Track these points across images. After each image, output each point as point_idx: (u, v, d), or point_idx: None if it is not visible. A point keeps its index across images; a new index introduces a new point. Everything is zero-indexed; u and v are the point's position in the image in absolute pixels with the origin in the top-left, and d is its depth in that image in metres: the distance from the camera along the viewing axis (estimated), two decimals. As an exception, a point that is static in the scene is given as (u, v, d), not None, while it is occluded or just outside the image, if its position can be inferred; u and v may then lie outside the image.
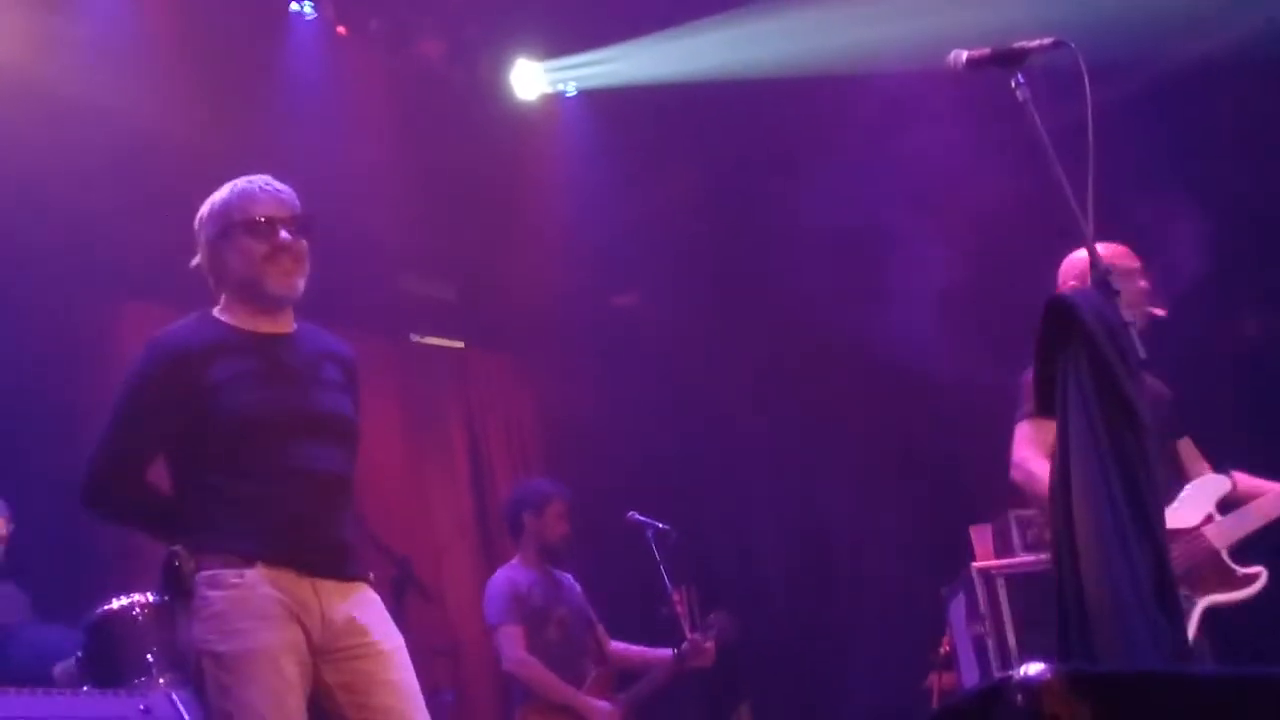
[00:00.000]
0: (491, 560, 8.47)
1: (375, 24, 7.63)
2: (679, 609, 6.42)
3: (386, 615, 3.72)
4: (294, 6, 7.42)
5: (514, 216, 8.45)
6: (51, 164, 6.52)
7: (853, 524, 8.62)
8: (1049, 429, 4.43)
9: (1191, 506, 4.61)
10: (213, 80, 6.88)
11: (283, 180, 3.90)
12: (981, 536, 6.01)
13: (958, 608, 5.87)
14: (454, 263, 8.84)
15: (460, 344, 9.14)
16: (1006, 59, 3.45)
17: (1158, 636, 3.04)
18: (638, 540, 6.55)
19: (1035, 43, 3.43)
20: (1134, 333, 3.28)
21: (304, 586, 3.56)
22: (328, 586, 3.60)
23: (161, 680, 5.13)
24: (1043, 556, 5.14)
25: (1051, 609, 3.25)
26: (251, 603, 3.49)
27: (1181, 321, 4.76)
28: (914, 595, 7.67)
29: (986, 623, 5.58)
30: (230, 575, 3.51)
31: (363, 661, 3.59)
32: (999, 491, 6.28)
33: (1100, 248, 4.63)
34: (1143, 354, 3.26)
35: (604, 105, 8.21)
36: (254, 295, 3.72)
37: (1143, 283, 4.66)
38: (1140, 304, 4.55)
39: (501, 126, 8.21)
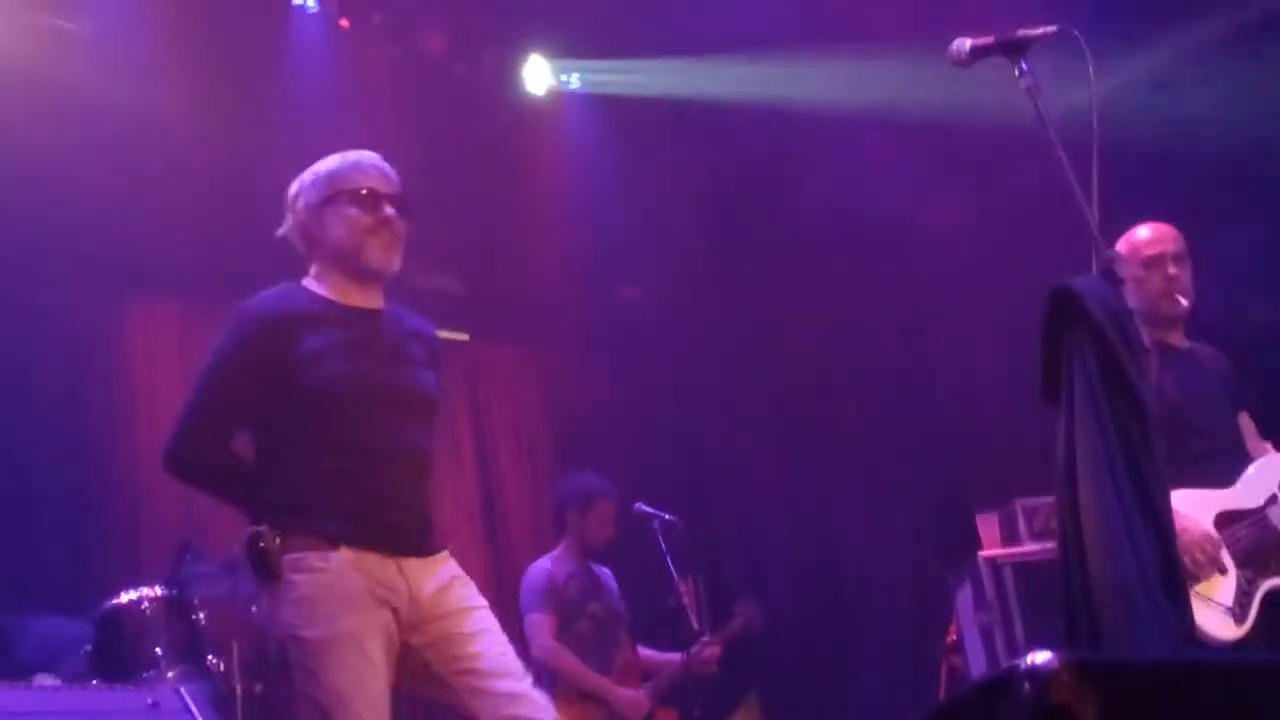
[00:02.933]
0: (498, 552, 8.49)
1: (378, 17, 7.61)
2: (685, 599, 6.43)
3: (468, 579, 3.71)
4: (296, 0, 7.41)
5: (519, 209, 8.44)
6: (54, 160, 6.52)
7: (859, 512, 8.62)
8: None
9: (1254, 488, 4.49)
10: (215, 75, 6.88)
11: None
12: (988, 525, 6.01)
13: (964, 596, 5.87)
14: (459, 255, 8.84)
15: (466, 336, 9.13)
16: (1010, 47, 3.45)
17: (1163, 623, 3.04)
18: (644, 531, 6.55)
19: (1039, 30, 3.43)
20: (1138, 320, 3.28)
21: (389, 568, 3.54)
22: (412, 564, 3.59)
23: (170, 674, 5.16)
24: (1049, 545, 5.15)
25: (1058, 597, 3.26)
26: (337, 587, 3.47)
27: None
28: (921, 584, 7.68)
29: (993, 611, 5.59)
30: (315, 559, 3.49)
31: (445, 620, 3.58)
32: (1005, 480, 6.29)
33: (1145, 231, 4.67)
34: (1147, 342, 3.26)
35: (609, 98, 8.21)
36: (351, 265, 3.75)
37: (1172, 269, 4.64)
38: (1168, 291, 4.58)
39: (506, 119, 8.21)
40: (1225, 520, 4.37)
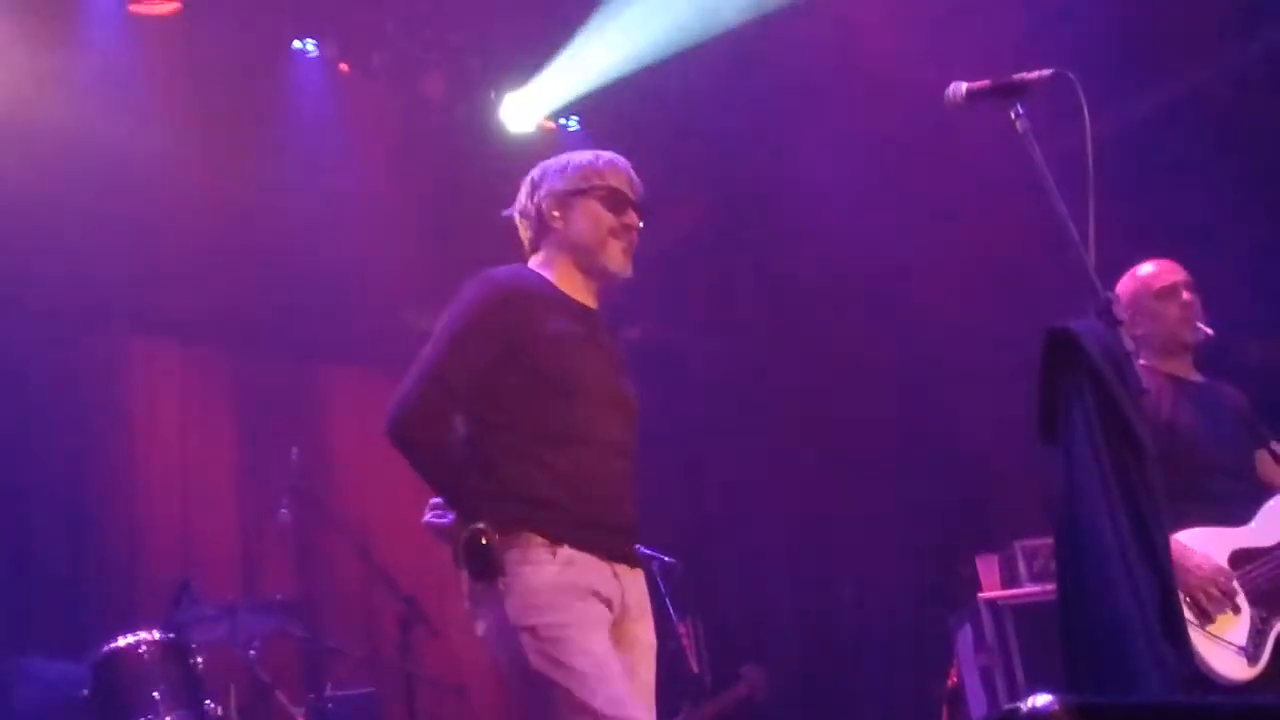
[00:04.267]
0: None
1: (377, 61, 7.63)
2: (685, 642, 6.41)
3: (650, 607, 3.63)
4: (296, 44, 7.43)
5: (517, 251, 8.44)
6: (54, 201, 6.55)
7: (859, 553, 8.60)
8: None
9: (1270, 526, 4.40)
10: (216, 118, 6.91)
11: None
12: (988, 567, 6.00)
13: (964, 638, 5.86)
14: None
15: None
16: (1006, 91, 3.46)
17: (1163, 664, 3.03)
18: (643, 573, 6.53)
19: (1035, 74, 3.44)
20: (1136, 362, 3.28)
21: (606, 571, 3.44)
22: (624, 571, 3.51)
23: (168, 718, 5.14)
24: (1049, 586, 5.13)
25: (1058, 639, 3.25)
26: (564, 578, 3.34)
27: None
28: (921, 626, 7.65)
29: (994, 653, 5.57)
30: (541, 553, 3.35)
31: (630, 650, 3.49)
32: (1005, 521, 6.29)
33: (1150, 266, 4.67)
34: (1145, 385, 3.26)
35: (607, 137, 8.22)
36: (587, 261, 3.71)
37: (1188, 295, 4.62)
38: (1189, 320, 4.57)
39: (504, 161, 8.22)
40: (1240, 559, 4.29)
